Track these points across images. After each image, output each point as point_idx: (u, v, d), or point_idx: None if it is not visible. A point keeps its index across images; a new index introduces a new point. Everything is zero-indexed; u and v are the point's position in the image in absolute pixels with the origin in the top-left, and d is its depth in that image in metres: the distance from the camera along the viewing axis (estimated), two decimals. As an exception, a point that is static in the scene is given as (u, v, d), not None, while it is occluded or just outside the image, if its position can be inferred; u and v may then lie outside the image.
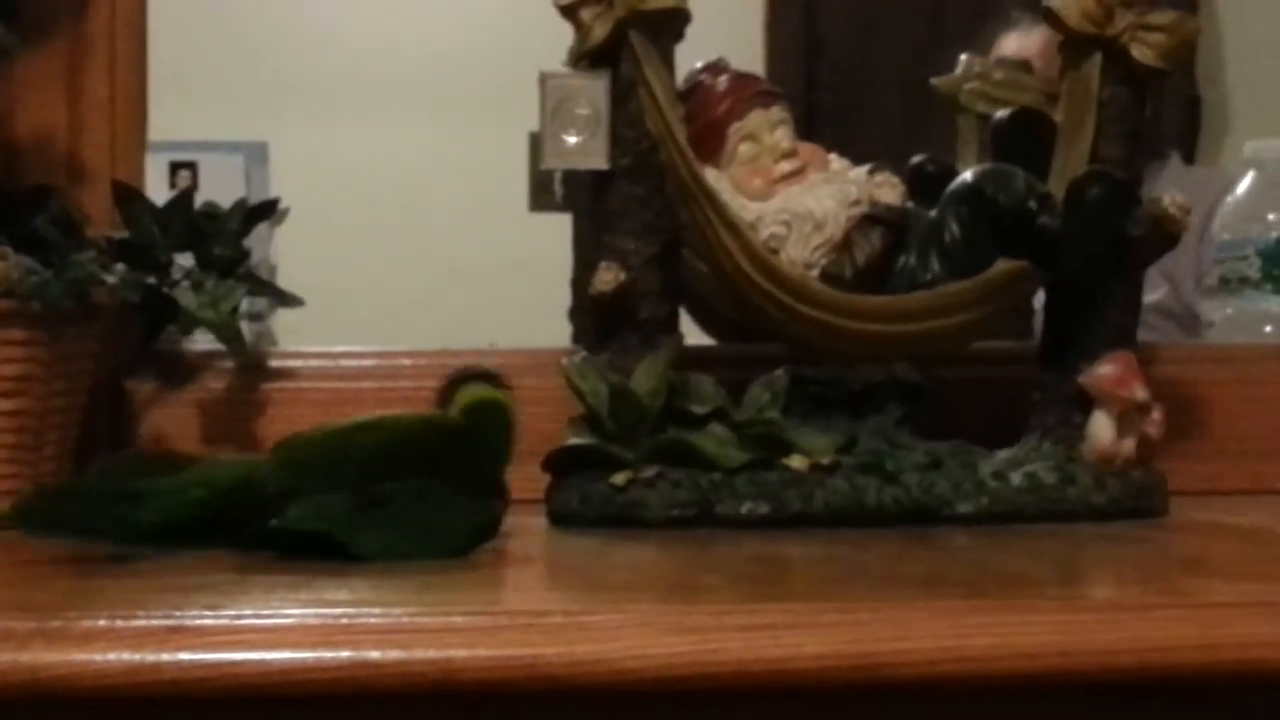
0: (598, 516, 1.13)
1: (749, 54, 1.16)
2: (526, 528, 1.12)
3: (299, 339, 1.35)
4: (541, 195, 1.40)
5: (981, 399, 1.24)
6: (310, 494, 0.95)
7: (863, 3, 3.30)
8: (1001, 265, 1.15)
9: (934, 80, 1.37)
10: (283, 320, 1.33)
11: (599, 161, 1.17)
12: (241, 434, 1.30)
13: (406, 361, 1.29)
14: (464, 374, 1.05)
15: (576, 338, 1.37)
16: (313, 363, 1.32)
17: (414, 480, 0.96)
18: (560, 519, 1.14)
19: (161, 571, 0.93)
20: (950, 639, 0.81)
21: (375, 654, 0.80)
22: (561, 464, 1.15)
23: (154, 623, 0.80)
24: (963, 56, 1.39)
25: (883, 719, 0.83)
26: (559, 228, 1.35)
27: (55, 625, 0.80)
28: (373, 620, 0.81)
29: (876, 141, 1.33)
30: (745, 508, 1.12)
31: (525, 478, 1.08)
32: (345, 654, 0.80)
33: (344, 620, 0.81)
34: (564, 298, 1.36)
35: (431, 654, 0.80)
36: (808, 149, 1.20)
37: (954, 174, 1.24)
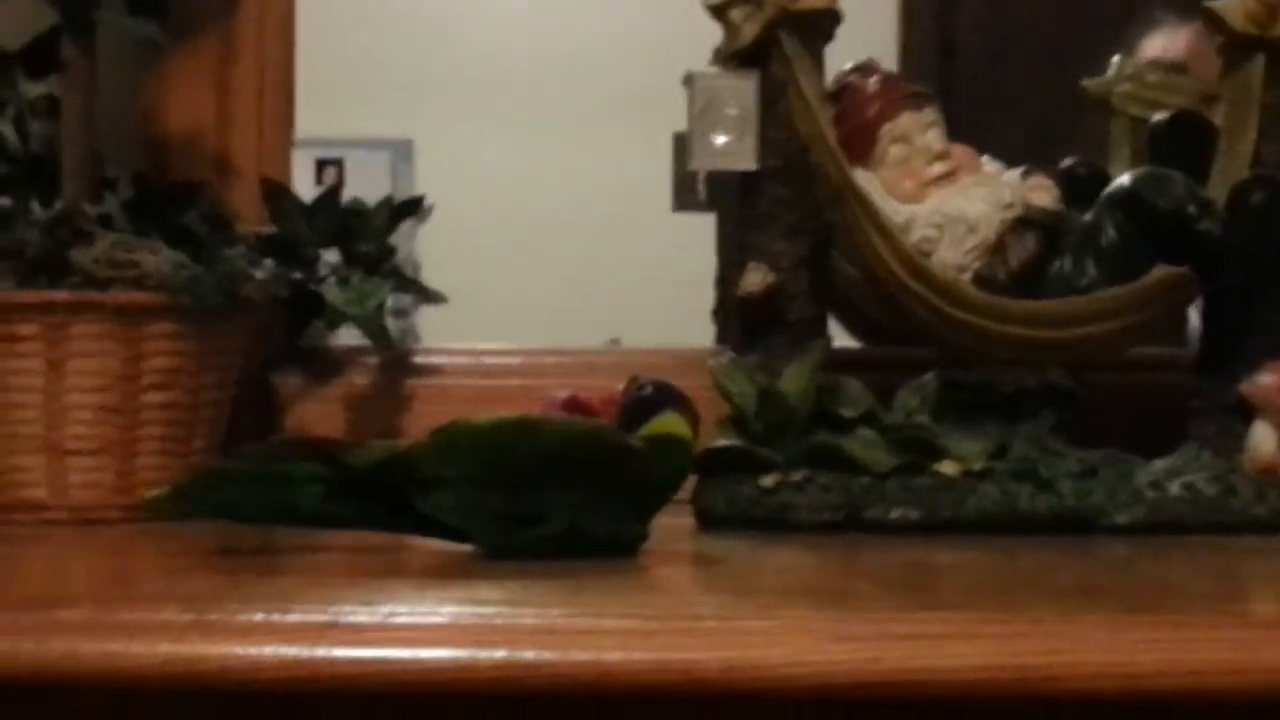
0: (745, 518, 1.12)
1: (882, 57, 1.15)
2: (673, 529, 1.11)
3: (441, 337, 1.35)
4: (685, 195, 1.39)
5: (1135, 407, 1.22)
6: (459, 485, 0.94)
7: (998, 4, 3.27)
8: (1159, 271, 1.12)
9: (1085, 82, 1.35)
10: (425, 318, 1.33)
11: (748, 162, 1.16)
12: (386, 429, 1.30)
13: (551, 360, 1.29)
14: (671, 394, 1.01)
15: (721, 338, 1.36)
16: (458, 359, 1.32)
17: (565, 493, 0.95)
18: (707, 520, 1.13)
19: (313, 566, 0.93)
20: (1116, 654, 0.79)
21: (529, 655, 0.79)
22: (709, 465, 1.14)
23: (310, 618, 0.80)
24: (1114, 58, 1.36)
25: (1045, 734, 0.81)
26: (703, 228, 1.34)
27: (213, 618, 0.80)
28: (527, 621, 0.80)
29: (1012, 145, 1.30)
30: (895, 513, 1.10)
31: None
32: (500, 654, 0.80)
33: (498, 620, 0.81)
34: (707, 298, 1.35)
35: (586, 657, 0.79)
36: (960, 151, 1.18)
37: (1105, 177, 1.22)
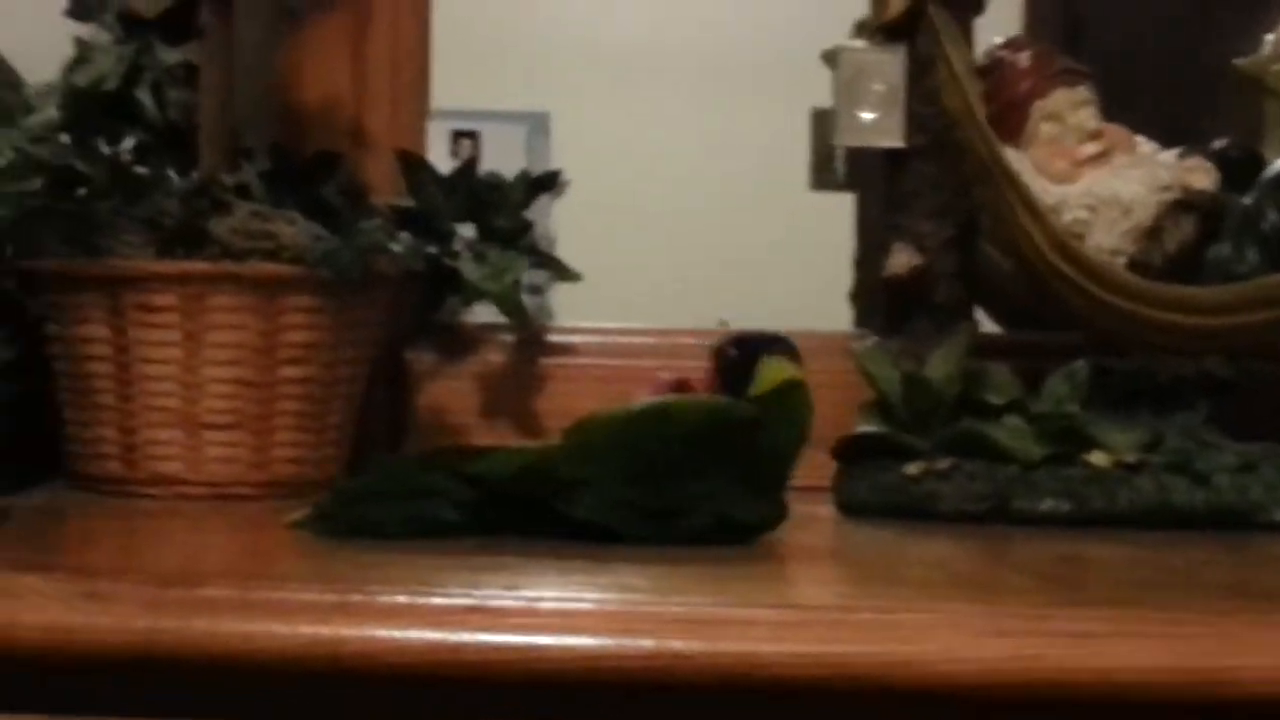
0: (888, 507, 1.09)
1: (1007, 34, 1.13)
2: (814, 517, 1.08)
3: (575, 315, 1.33)
4: (823, 174, 1.36)
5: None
6: (600, 484, 0.93)
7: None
8: (1323, 257, 1.09)
9: (1237, 61, 1.30)
10: (560, 295, 1.32)
11: (895, 139, 1.13)
12: (520, 409, 1.28)
13: (689, 340, 1.26)
14: (756, 341, 0.99)
15: (859, 321, 1.33)
16: (593, 339, 1.30)
17: (701, 476, 0.93)
18: (849, 508, 1.11)
19: (456, 549, 0.92)
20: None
21: (678, 644, 0.77)
22: (852, 452, 1.11)
23: (454, 601, 0.79)
24: (1268, 36, 1.32)
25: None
26: (840, 207, 1.31)
27: (357, 600, 0.79)
28: (676, 609, 0.79)
29: (1143, 127, 1.27)
30: (1045, 504, 1.07)
31: (812, 465, 1.04)
32: (648, 643, 0.78)
33: (646, 608, 0.79)
34: (844, 280, 1.33)
35: (736, 647, 0.77)
36: (1113, 130, 1.14)
37: (1260, 160, 1.18)
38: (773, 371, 0.95)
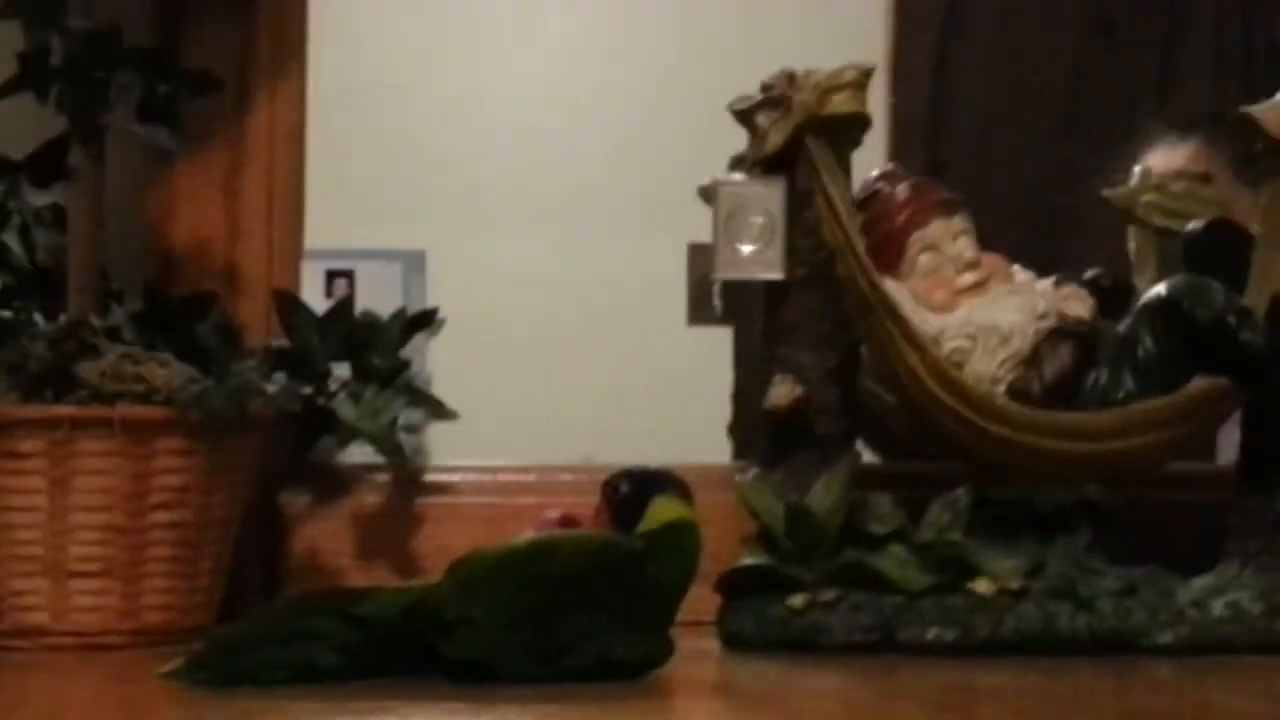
0: (774, 640, 1.08)
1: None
2: (699, 652, 1.07)
3: (452, 452, 1.31)
4: (701, 308, 1.36)
5: (1170, 523, 1.18)
6: (484, 621, 0.91)
7: (986, 124, 3.25)
8: (1199, 382, 1.09)
9: (1106, 192, 1.32)
10: (437, 433, 1.30)
11: (774, 271, 1.13)
12: (397, 549, 1.26)
13: (567, 477, 1.25)
14: (649, 478, 0.98)
15: (738, 454, 1.33)
16: (471, 477, 1.28)
17: (588, 614, 0.92)
18: (735, 643, 1.09)
19: (337, 694, 0.89)
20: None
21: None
22: (736, 585, 1.10)
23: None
24: (1136, 168, 1.34)
25: None
26: (717, 342, 1.31)
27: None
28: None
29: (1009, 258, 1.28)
30: (931, 633, 1.06)
31: (695, 599, 1.02)
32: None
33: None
34: (723, 413, 1.32)
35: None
36: (991, 259, 1.15)
37: (1130, 289, 1.20)
38: (663, 510, 0.94)
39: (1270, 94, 1.18)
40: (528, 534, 0.95)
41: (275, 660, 0.92)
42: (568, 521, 0.96)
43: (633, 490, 0.96)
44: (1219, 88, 3.02)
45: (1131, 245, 1.29)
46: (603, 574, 0.92)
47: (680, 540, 0.93)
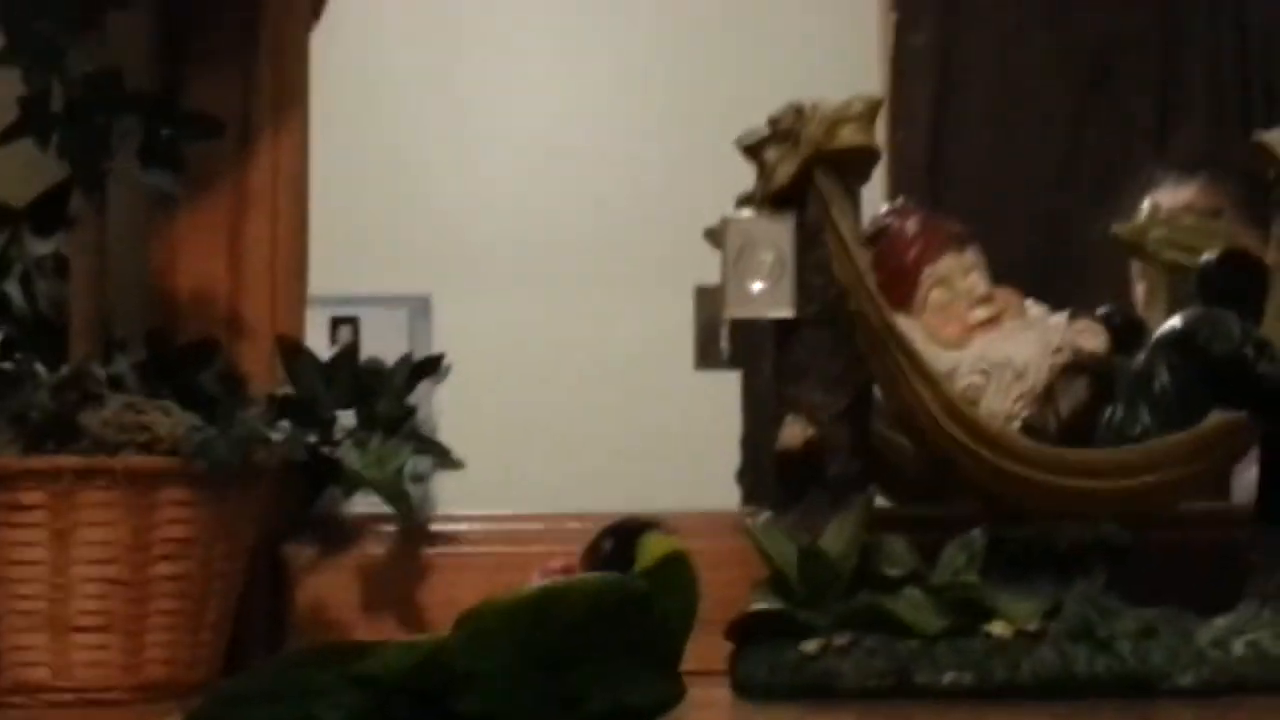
0: (787, 687, 1.06)
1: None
2: (710, 700, 1.05)
3: (458, 501, 1.30)
4: (708, 351, 1.35)
5: (1188, 563, 1.16)
6: (495, 673, 0.89)
7: (985, 172, 3.23)
8: (1216, 416, 1.08)
9: (1116, 228, 1.31)
10: (443, 482, 1.29)
11: (785, 309, 1.12)
12: (404, 601, 1.24)
13: (575, 525, 1.23)
14: (630, 526, 0.97)
15: (747, 499, 1.31)
16: (478, 526, 1.27)
17: (598, 659, 0.90)
18: (746, 690, 1.07)
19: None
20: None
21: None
22: (747, 631, 1.08)
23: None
24: (1144, 203, 1.33)
25: None
26: (725, 386, 1.30)
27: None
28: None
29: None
30: (948, 678, 1.04)
31: (705, 647, 1.00)
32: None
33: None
34: (731, 459, 1.30)
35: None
36: (1003, 294, 1.14)
37: (1141, 324, 1.18)
38: (654, 546, 0.92)
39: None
40: (534, 583, 0.93)
41: (276, 718, 0.89)
42: (570, 570, 0.94)
43: (616, 543, 0.94)
44: (1216, 133, 3.02)
45: (1139, 285, 1.28)
46: (608, 615, 0.90)
47: (677, 572, 0.92)
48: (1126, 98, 3.08)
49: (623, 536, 0.94)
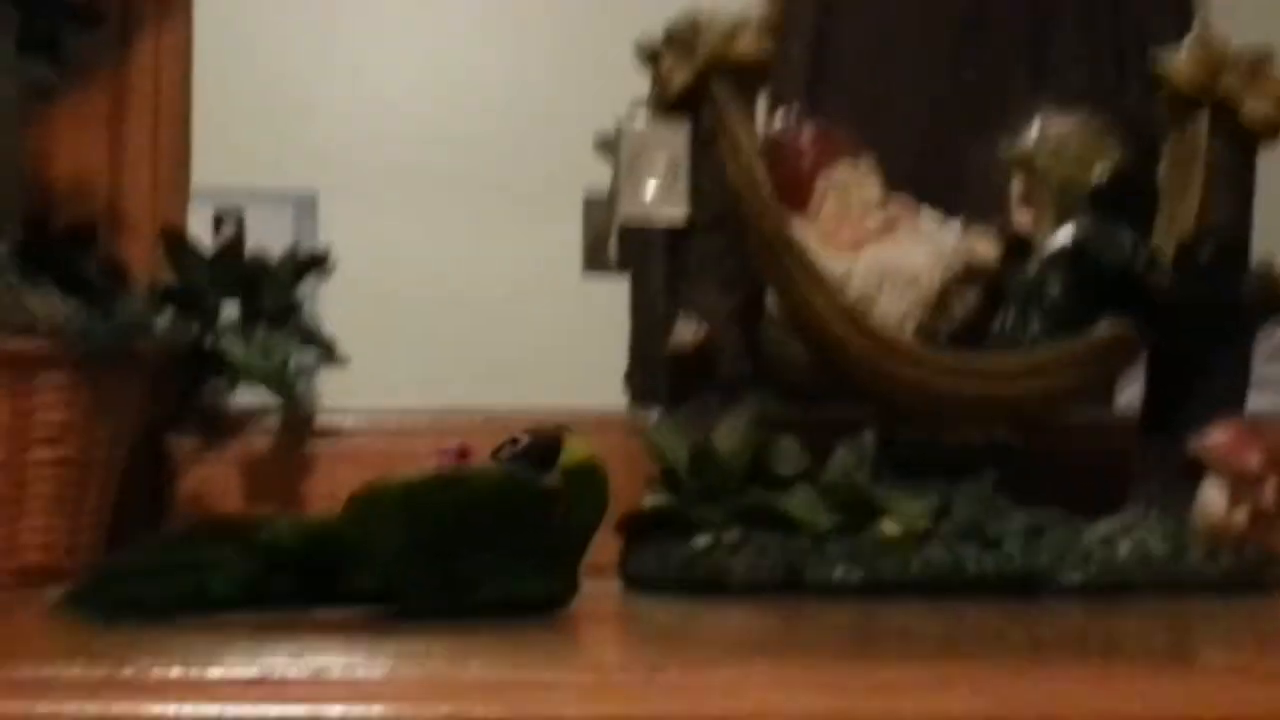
0: (678, 582, 1.06)
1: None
2: (600, 593, 1.04)
3: (343, 401, 1.28)
4: (596, 257, 1.34)
5: (1076, 470, 1.18)
6: (384, 553, 0.88)
7: (861, 112, 3.23)
8: (1105, 326, 1.09)
9: (1004, 149, 1.32)
10: (326, 381, 1.27)
11: (678, 214, 1.11)
12: (286, 493, 1.22)
13: (460, 419, 1.22)
14: (546, 429, 0.96)
15: (634, 402, 1.31)
16: (362, 421, 1.25)
17: (492, 550, 0.89)
18: (636, 584, 1.07)
19: (233, 623, 0.86)
20: (1105, 702, 0.74)
21: (479, 710, 0.73)
22: (638, 527, 1.08)
23: (234, 673, 0.73)
24: (1032, 128, 1.34)
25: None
26: (611, 294, 1.29)
27: (126, 674, 0.73)
28: (475, 674, 0.74)
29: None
30: (838, 573, 1.05)
31: (595, 543, 1.00)
32: (445, 709, 0.73)
33: (443, 674, 0.74)
34: (618, 363, 1.30)
35: (541, 712, 0.73)
36: (898, 203, 1.14)
37: (1028, 242, 1.19)
38: (575, 450, 0.91)
39: (1143, 86, 1.19)
40: (432, 466, 0.93)
41: (163, 590, 0.88)
42: (465, 452, 0.93)
43: (534, 443, 0.93)
44: (1091, 81, 3.05)
45: (1019, 211, 1.29)
46: (509, 511, 0.89)
47: (593, 480, 0.91)
48: (1003, 29, 3.10)
49: (542, 438, 0.93)
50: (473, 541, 0.89)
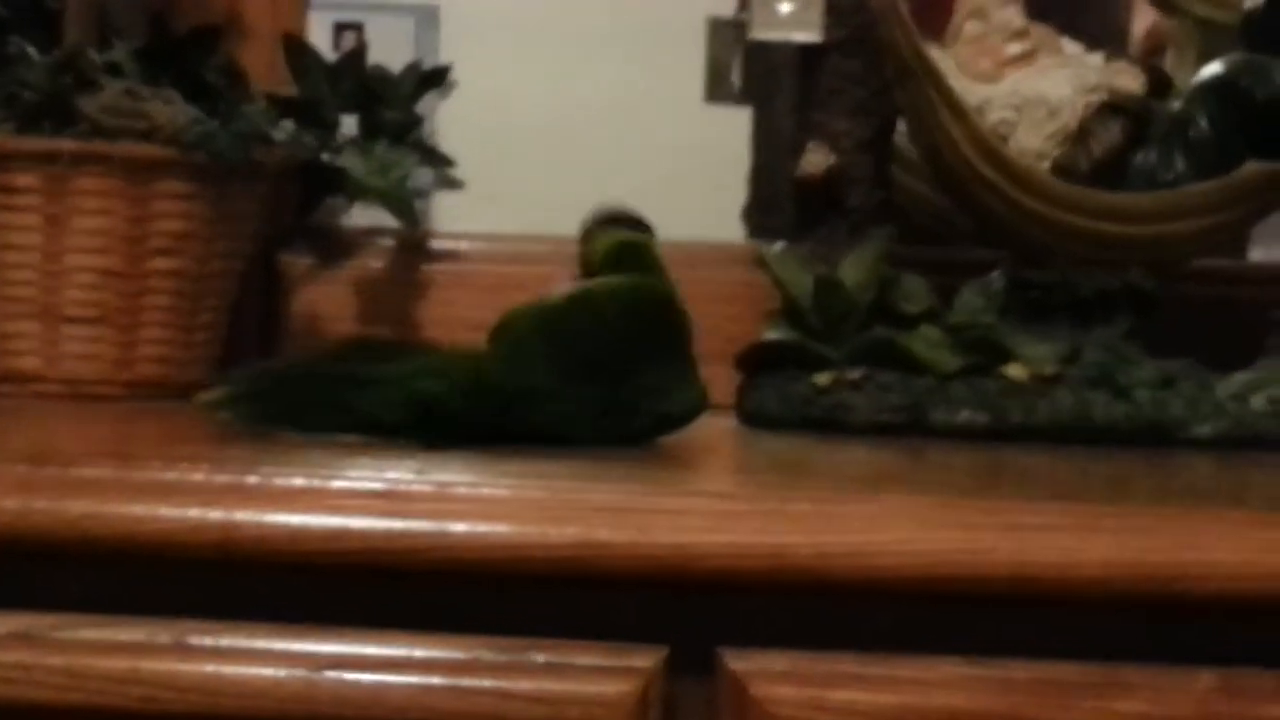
0: (797, 419, 1.03)
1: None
2: (719, 429, 1.03)
3: (458, 223, 1.26)
4: (719, 85, 1.31)
5: (1210, 317, 1.14)
6: (545, 389, 0.86)
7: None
8: (1252, 165, 1.05)
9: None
10: (442, 202, 1.25)
11: (812, 33, 1.08)
12: (400, 315, 1.21)
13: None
14: (603, 217, 0.94)
15: (752, 236, 1.28)
16: (479, 245, 1.23)
17: (640, 368, 0.87)
18: (755, 420, 1.05)
19: (351, 443, 0.85)
20: (1250, 553, 0.72)
21: (605, 534, 0.72)
22: (757, 361, 1.05)
23: (358, 485, 0.72)
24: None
25: (1171, 636, 0.73)
26: (732, 122, 1.26)
27: (251, 482, 0.72)
28: (603, 497, 0.72)
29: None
30: (962, 416, 1.03)
31: (711, 378, 0.96)
32: (571, 531, 0.72)
33: (570, 495, 0.73)
34: (734, 197, 1.27)
35: (669, 538, 0.71)
36: (1039, 30, 1.10)
37: (1169, 78, 1.14)
38: (605, 240, 0.89)
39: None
40: (557, 289, 0.90)
41: (318, 401, 0.85)
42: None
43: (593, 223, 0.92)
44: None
45: (1174, 35, 1.24)
46: (643, 318, 0.87)
47: (635, 257, 0.89)
48: None
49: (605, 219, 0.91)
50: (617, 360, 0.87)
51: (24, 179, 1.02)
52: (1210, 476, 0.95)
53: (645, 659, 0.73)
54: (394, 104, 1.15)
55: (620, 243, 0.90)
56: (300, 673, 0.72)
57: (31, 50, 1.06)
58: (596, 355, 0.86)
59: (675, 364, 0.88)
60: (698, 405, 0.89)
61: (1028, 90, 1.06)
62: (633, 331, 0.86)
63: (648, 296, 0.87)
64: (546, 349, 0.85)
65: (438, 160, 1.18)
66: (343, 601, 0.73)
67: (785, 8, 1.07)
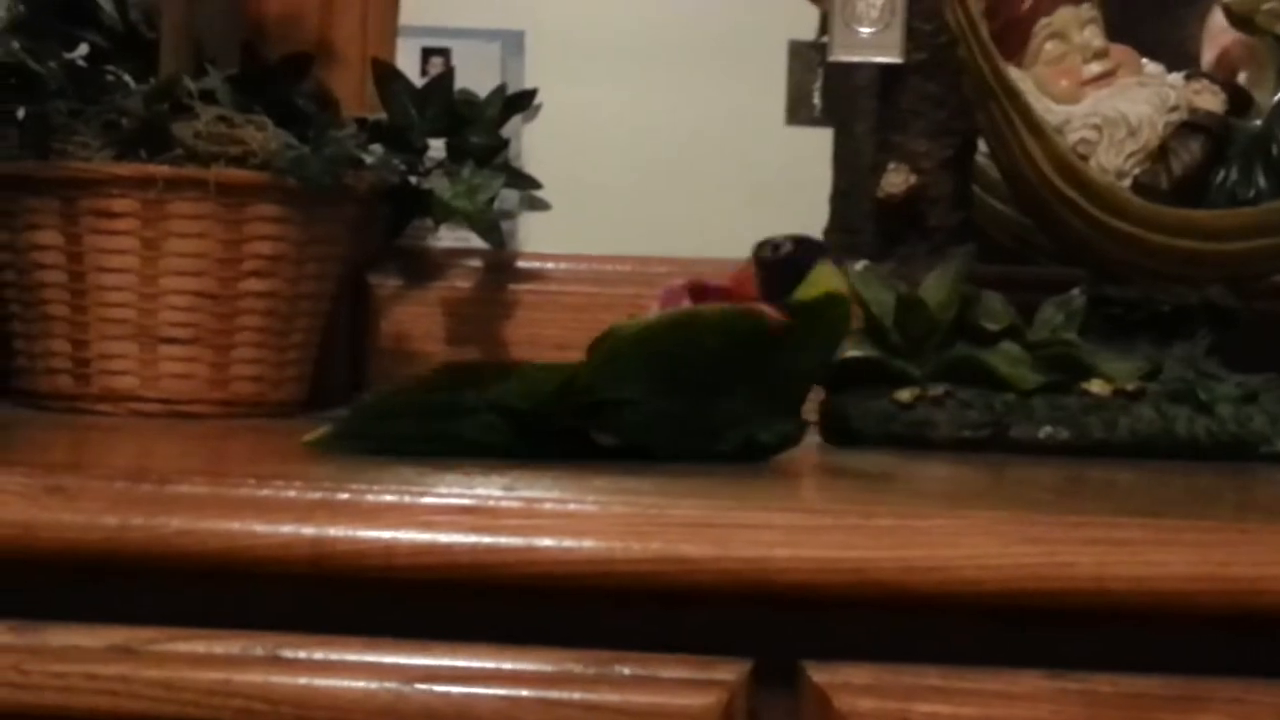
0: (879, 435, 1.04)
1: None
2: (800, 445, 1.03)
3: (544, 244, 1.28)
4: (800, 107, 1.32)
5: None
6: (638, 401, 0.87)
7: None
8: (1334, 183, 1.05)
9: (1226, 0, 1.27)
10: (528, 224, 1.27)
11: (893, 54, 1.09)
12: (487, 336, 1.23)
13: (662, 269, 1.22)
14: (811, 242, 0.93)
15: (834, 254, 1.29)
16: (565, 265, 1.25)
17: (730, 393, 0.88)
18: (837, 437, 1.06)
19: (441, 459, 0.86)
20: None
21: (688, 548, 0.73)
22: (840, 378, 1.06)
23: (447, 500, 0.74)
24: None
25: (1252, 649, 0.74)
26: (814, 144, 1.27)
27: (343, 498, 0.74)
28: (685, 512, 0.74)
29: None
30: (1044, 432, 1.03)
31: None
32: (655, 546, 0.73)
33: (653, 510, 0.74)
34: (816, 216, 1.28)
35: (749, 552, 0.73)
36: (1119, 50, 1.10)
37: (1249, 96, 1.15)
38: (826, 277, 0.89)
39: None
40: (656, 307, 0.91)
41: (420, 431, 0.88)
42: (696, 288, 0.91)
43: (795, 251, 0.91)
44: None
45: (1253, 54, 1.24)
46: (742, 347, 0.88)
47: (835, 313, 0.89)
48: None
49: (805, 247, 0.91)
50: (712, 384, 0.88)
51: (121, 204, 1.04)
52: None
53: (730, 672, 0.74)
54: (480, 127, 1.17)
55: (834, 291, 0.90)
56: (391, 685, 0.74)
57: (128, 79, 1.09)
58: (688, 375, 0.87)
59: (770, 395, 0.89)
60: (790, 437, 0.90)
61: (1108, 110, 1.07)
62: (727, 358, 0.87)
63: (748, 328, 0.88)
64: (640, 362, 0.87)
65: (524, 182, 1.20)
66: (432, 615, 0.75)
67: (866, 30, 1.09)
